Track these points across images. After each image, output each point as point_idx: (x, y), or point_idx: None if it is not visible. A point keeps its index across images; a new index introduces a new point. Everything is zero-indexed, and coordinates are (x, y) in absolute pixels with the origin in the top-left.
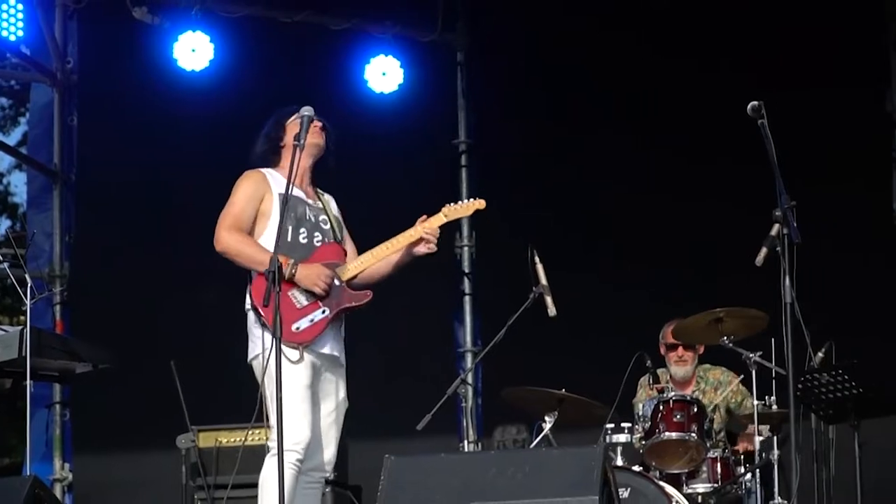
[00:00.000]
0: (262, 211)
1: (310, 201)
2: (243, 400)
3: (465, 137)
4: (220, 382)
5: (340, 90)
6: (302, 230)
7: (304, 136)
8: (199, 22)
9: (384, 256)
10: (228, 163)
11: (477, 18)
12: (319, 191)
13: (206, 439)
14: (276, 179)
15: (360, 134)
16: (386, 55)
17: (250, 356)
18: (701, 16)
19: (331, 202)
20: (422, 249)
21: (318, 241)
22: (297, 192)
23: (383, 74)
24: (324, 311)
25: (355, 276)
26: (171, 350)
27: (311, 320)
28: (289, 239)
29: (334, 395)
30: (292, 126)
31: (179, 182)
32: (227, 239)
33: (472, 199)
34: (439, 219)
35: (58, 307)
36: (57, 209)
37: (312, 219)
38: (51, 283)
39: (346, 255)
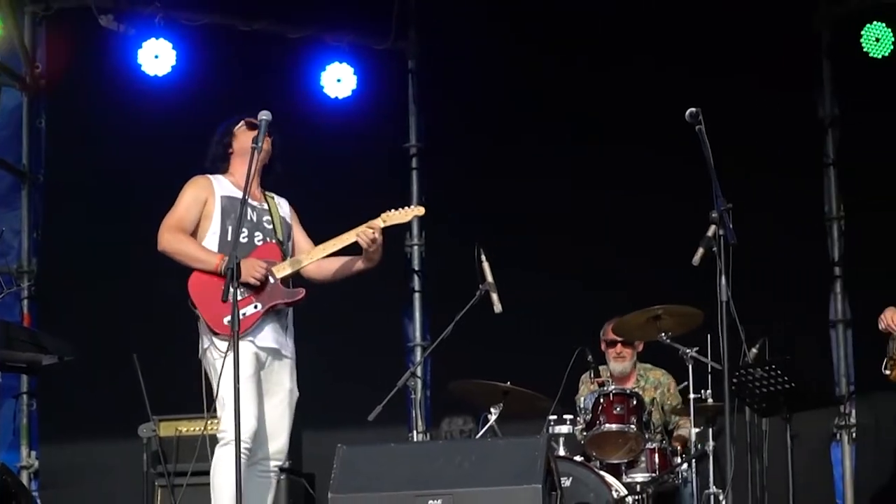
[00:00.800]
0: (205, 213)
1: (255, 203)
2: (202, 390)
3: (415, 141)
4: (180, 374)
5: (297, 95)
6: (244, 230)
7: (262, 139)
8: (162, 29)
9: (319, 257)
10: (189, 164)
11: (428, 28)
12: (268, 193)
13: (167, 429)
14: (221, 184)
15: (316, 137)
16: (341, 62)
17: (200, 353)
18: (643, 21)
19: (281, 204)
20: (360, 266)
21: (258, 241)
22: (241, 194)
23: (338, 81)
24: (256, 307)
25: (291, 276)
26: (134, 343)
27: (243, 314)
28: (228, 238)
29: (282, 386)
30: (240, 133)
31: (142, 182)
32: (168, 238)
33: (410, 207)
34: (377, 223)
35: (25, 301)
36: (25, 208)
37: (254, 219)
38: (19, 278)
39: (283, 255)
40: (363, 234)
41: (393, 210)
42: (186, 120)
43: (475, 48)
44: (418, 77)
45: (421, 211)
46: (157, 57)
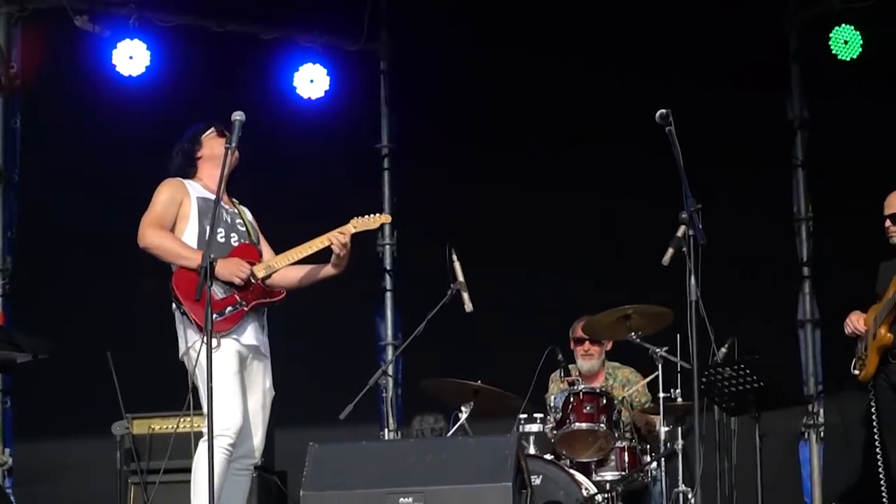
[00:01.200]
0: (181, 214)
1: (226, 206)
2: (175, 389)
3: (387, 141)
4: (154, 372)
5: (270, 96)
6: (220, 230)
7: (236, 139)
8: (136, 30)
9: (295, 259)
10: (164, 164)
11: (400, 30)
12: (235, 200)
13: (140, 426)
14: (193, 187)
15: (289, 137)
16: (314, 63)
17: (181, 353)
18: (615, 23)
19: (246, 212)
20: (327, 272)
21: (234, 241)
22: (213, 197)
23: (311, 81)
24: (241, 304)
25: (269, 276)
26: (108, 341)
27: (228, 311)
28: (206, 237)
29: (261, 384)
30: (208, 140)
31: (117, 182)
32: (151, 235)
33: (379, 214)
34: (348, 229)
35: (0, 300)
36: (0, 207)
37: (229, 220)
38: None
39: (261, 256)
40: (336, 238)
41: (361, 217)
42: (160, 120)
43: (446, 49)
44: (390, 78)
45: (388, 218)
46: (131, 58)
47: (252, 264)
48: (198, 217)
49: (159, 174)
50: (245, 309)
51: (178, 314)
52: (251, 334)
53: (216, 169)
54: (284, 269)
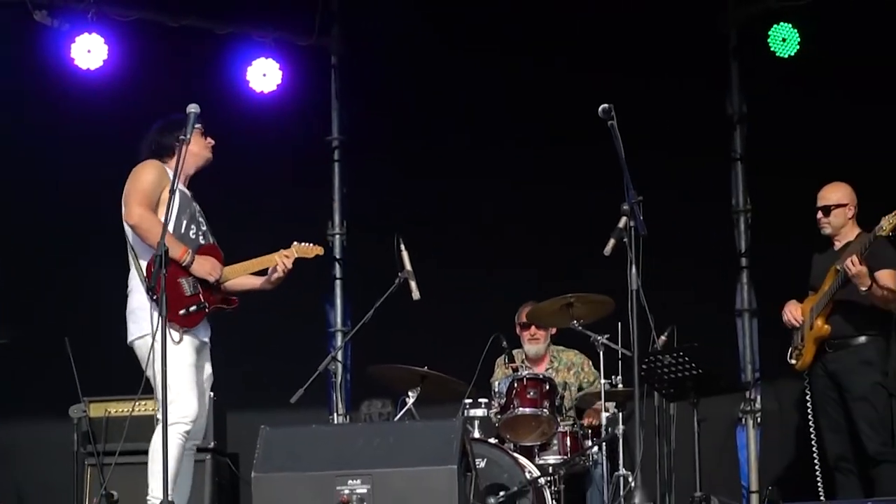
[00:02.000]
0: (161, 199)
1: (194, 203)
2: (131, 374)
3: (337, 134)
4: (110, 357)
5: (224, 89)
6: (192, 227)
7: (190, 131)
8: (94, 25)
9: (251, 270)
10: (120, 153)
11: (351, 25)
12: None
13: (97, 409)
14: (171, 172)
15: (242, 129)
16: (266, 58)
17: (132, 336)
18: (559, 20)
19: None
20: (268, 286)
21: (202, 240)
22: (188, 192)
23: (263, 75)
24: (203, 306)
25: (227, 281)
26: (66, 327)
27: (194, 309)
28: (182, 231)
29: (205, 370)
30: (194, 134)
31: (76, 171)
32: (142, 214)
33: (315, 245)
34: (292, 253)
35: None
36: None
37: (200, 219)
38: None
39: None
40: (283, 262)
41: (301, 244)
42: (118, 111)
43: (396, 45)
44: (340, 72)
45: (321, 251)
46: (89, 51)
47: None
48: (178, 210)
49: (115, 165)
50: (207, 310)
51: (137, 299)
52: (204, 331)
53: (190, 164)
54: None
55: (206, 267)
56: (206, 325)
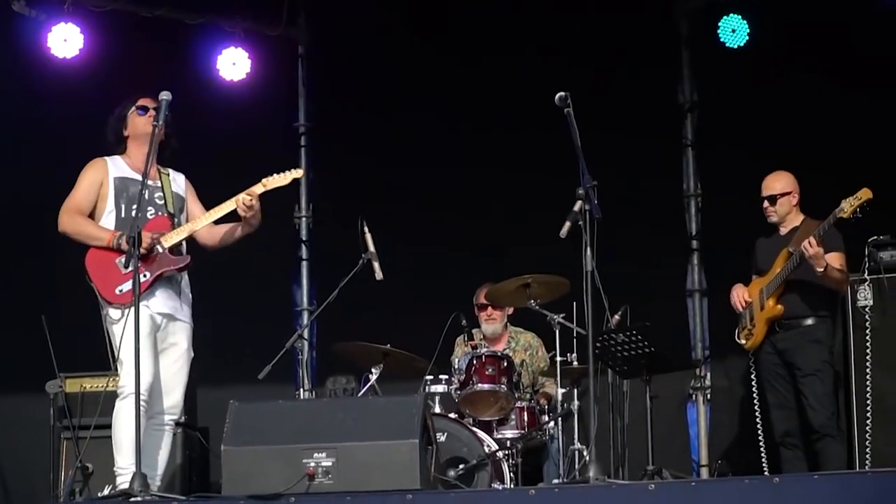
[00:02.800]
0: (101, 195)
1: (149, 182)
2: (105, 350)
3: (304, 121)
4: (85, 334)
5: (195, 78)
6: (134, 206)
7: (162, 118)
8: (70, 15)
9: (202, 225)
10: (95, 139)
11: (317, 15)
12: (163, 170)
13: (72, 385)
14: (116, 165)
15: (212, 116)
16: (236, 47)
17: (103, 319)
18: (517, 9)
19: (176, 179)
20: (241, 232)
21: (150, 215)
22: (133, 174)
23: (233, 64)
24: (145, 275)
25: (179, 244)
26: (43, 305)
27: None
28: (122, 216)
29: (177, 347)
30: (133, 117)
31: (52, 157)
32: (66, 220)
33: (290, 170)
34: (259, 187)
35: None
36: None
37: (147, 196)
38: None
39: (173, 226)
40: (241, 201)
41: (274, 175)
42: (93, 99)
43: (361, 34)
44: (307, 61)
45: (300, 173)
46: (65, 40)
47: (161, 234)
48: (114, 197)
49: (90, 149)
50: (149, 280)
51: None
52: (162, 302)
53: (141, 146)
54: (210, 229)
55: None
56: (169, 295)
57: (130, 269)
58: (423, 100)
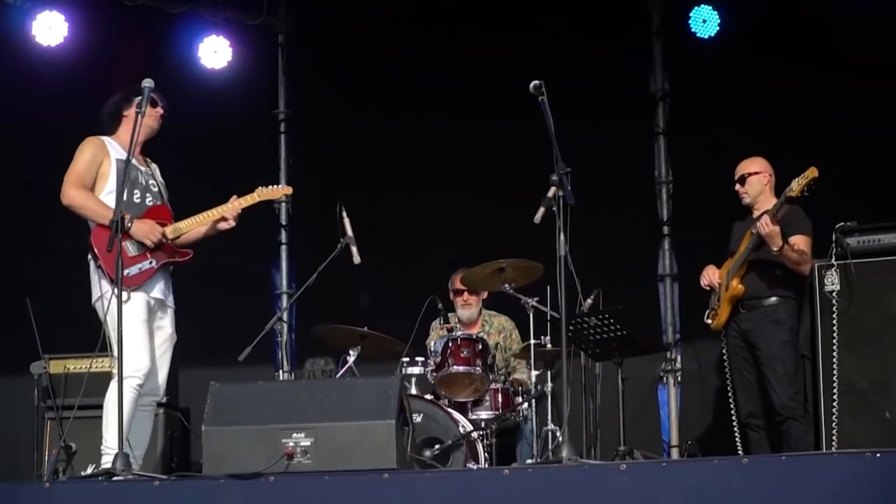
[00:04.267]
0: (100, 173)
1: (142, 168)
2: (89, 332)
3: (283, 108)
4: (69, 317)
5: (176, 65)
6: (136, 191)
7: (146, 104)
8: (55, 2)
9: (200, 224)
10: (79, 124)
11: (298, 5)
12: (148, 159)
13: (56, 366)
14: (113, 147)
15: (193, 103)
16: (217, 35)
17: (93, 300)
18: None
19: (157, 170)
20: (223, 226)
21: (149, 202)
22: (133, 159)
23: (214, 52)
24: (151, 262)
25: (178, 237)
26: (27, 287)
27: (140, 268)
28: (125, 198)
29: (164, 331)
30: (138, 102)
31: (37, 142)
32: (74, 194)
33: (282, 185)
34: (253, 198)
35: None
36: None
37: (144, 182)
38: None
39: (172, 216)
40: (230, 210)
41: (267, 187)
42: (76, 85)
43: (340, 23)
44: (288, 50)
45: (289, 190)
46: (50, 28)
47: (164, 226)
48: (116, 178)
49: (73, 135)
50: (154, 267)
51: (93, 265)
52: (159, 289)
53: (140, 132)
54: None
55: (143, 231)
56: (163, 285)
57: (137, 253)
58: (400, 87)
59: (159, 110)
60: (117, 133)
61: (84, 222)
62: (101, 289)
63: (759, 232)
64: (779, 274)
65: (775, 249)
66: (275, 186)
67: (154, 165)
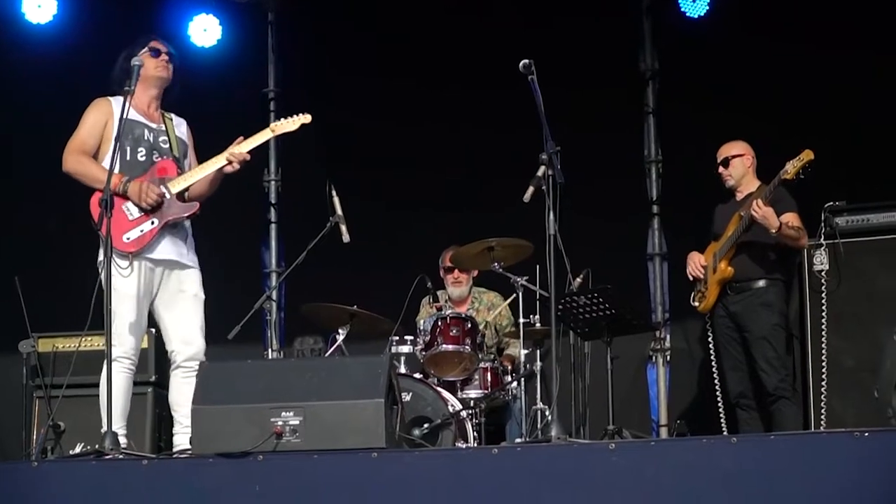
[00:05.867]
0: (105, 136)
1: (152, 124)
2: (77, 311)
3: (273, 86)
4: (58, 295)
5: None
6: (140, 149)
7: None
8: None
9: (205, 173)
10: (69, 101)
11: None
12: (167, 115)
13: (45, 345)
14: (119, 105)
15: (183, 81)
16: (207, 14)
17: (97, 261)
18: None
19: (180, 125)
20: (228, 169)
21: (156, 158)
22: (138, 117)
23: (204, 31)
24: (153, 223)
25: (186, 190)
26: (16, 265)
27: (141, 230)
28: (128, 158)
29: (185, 293)
30: (144, 58)
31: (27, 119)
32: (72, 161)
33: (299, 115)
34: (265, 134)
35: None
36: None
37: (151, 139)
38: None
39: (180, 170)
40: (235, 154)
41: (282, 120)
42: (67, 64)
43: (328, 2)
44: (277, 28)
45: (308, 118)
46: (39, 6)
47: (168, 181)
48: (117, 139)
49: (63, 111)
50: (156, 228)
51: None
52: (167, 248)
53: (148, 89)
54: (204, 179)
55: (136, 193)
56: (172, 241)
57: (139, 215)
58: (390, 64)
59: (164, 58)
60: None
61: (77, 194)
62: (103, 254)
63: (751, 216)
64: (768, 256)
65: (773, 231)
66: (292, 117)
67: (178, 121)
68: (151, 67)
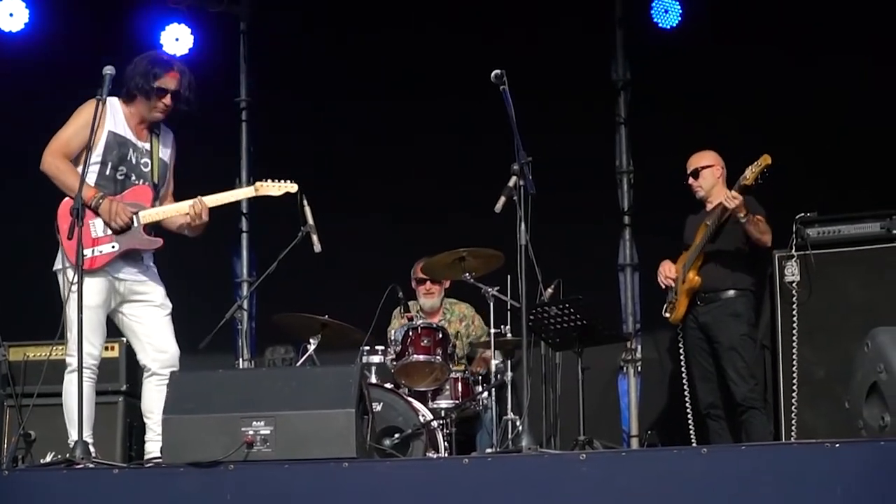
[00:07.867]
0: (94, 141)
1: (139, 143)
2: (49, 319)
3: (245, 96)
4: (29, 303)
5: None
6: (121, 168)
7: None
8: None
9: (175, 212)
10: (40, 111)
11: None
12: (156, 132)
13: (16, 353)
14: (115, 119)
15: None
16: (179, 23)
17: (55, 266)
18: None
19: (167, 141)
20: (183, 229)
21: (134, 181)
22: (127, 132)
23: (176, 40)
24: (114, 246)
25: (154, 224)
26: None
27: (100, 251)
28: (107, 173)
29: (151, 304)
30: (159, 80)
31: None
32: (51, 162)
33: (286, 181)
34: (248, 191)
35: None
36: None
37: (134, 161)
38: None
39: (155, 198)
40: (193, 209)
41: (267, 182)
42: (39, 72)
43: (301, 11)
44: (249, 37)
45: (294, 188)
46: (11, 15)
47: (141, 208)
48: (104, 152)
49: (35, 120)
50: (115, 252)
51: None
52: (128, 270)
53: (139, 110)
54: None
55: (109, 212)
56: (135, 265)
57: (102, 234)
58: (361, 75)
59: (166, 101)
60: (131, 103)
61: (51, 202)
62: (61, 263)
63: (716, 221)
64: (736, 266)
65: (741, 216)
66: (278, 182)
67: (163, 138)
68: (150, 106)
